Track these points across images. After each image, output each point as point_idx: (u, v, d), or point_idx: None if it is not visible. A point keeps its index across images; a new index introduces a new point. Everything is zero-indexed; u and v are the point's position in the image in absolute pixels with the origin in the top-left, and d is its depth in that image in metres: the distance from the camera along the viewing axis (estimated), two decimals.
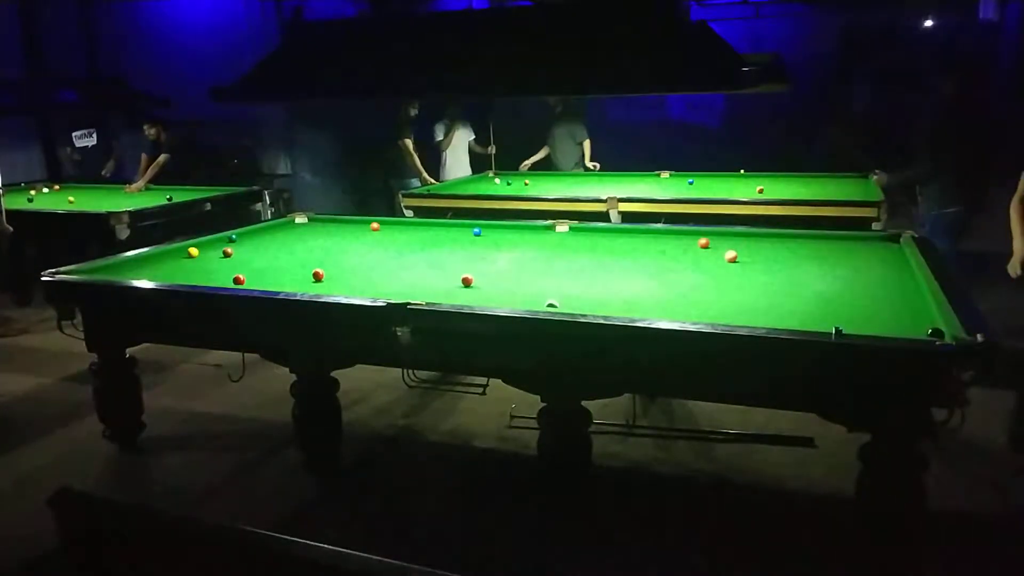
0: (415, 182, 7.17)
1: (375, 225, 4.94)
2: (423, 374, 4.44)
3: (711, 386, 2.84)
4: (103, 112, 8.63)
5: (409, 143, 6.93)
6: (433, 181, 7.17)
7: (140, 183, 7.11)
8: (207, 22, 8.82)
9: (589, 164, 7.67)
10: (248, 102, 6.33)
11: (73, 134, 8.04)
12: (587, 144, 7.70)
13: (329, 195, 9.03)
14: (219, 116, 7.67)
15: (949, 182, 4.82)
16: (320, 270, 3.57)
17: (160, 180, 7.17)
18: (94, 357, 3.80)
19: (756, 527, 3.11)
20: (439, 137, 7.60)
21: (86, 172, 8.11)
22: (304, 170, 9.03)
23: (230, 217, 6.16)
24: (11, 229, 5.43)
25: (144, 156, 7.38)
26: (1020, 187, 3.90)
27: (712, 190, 6.23)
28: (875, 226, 4.85)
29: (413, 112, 7.02)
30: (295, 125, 8.84)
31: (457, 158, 7.69)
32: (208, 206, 6.40)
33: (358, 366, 3.53)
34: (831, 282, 3.31)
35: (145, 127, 7.40)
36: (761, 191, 5.95)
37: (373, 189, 8.26)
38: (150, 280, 3.60)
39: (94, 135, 8.09)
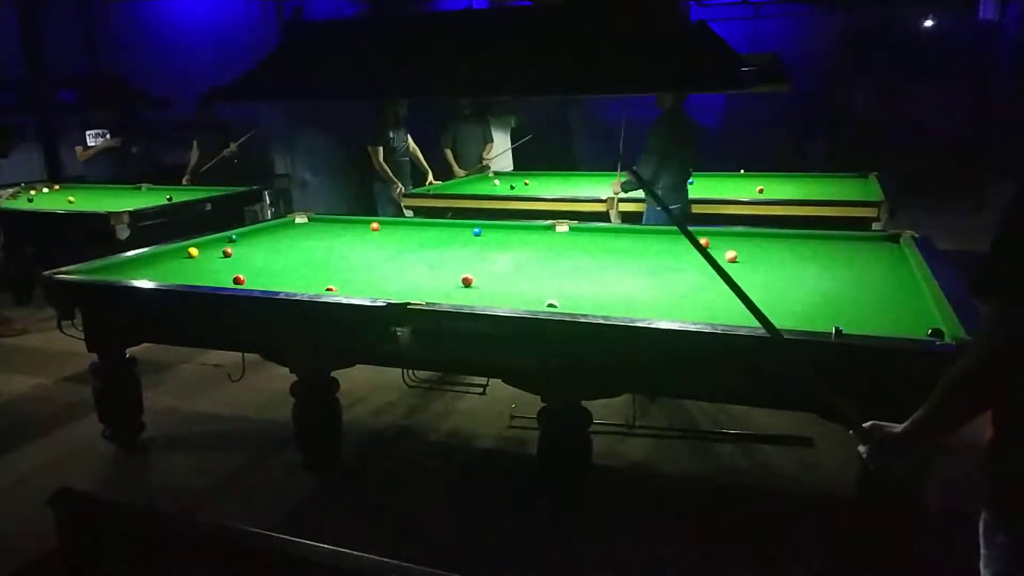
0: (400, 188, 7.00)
1: (375, 225, 4.94)
2: (423, 374, 4.44)
3: (711, 386, 2.84)
4: (112, 112, 8.60)
5: (380, 151, 6.77)
6: (401, 187, 6.75)
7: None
8: (207, 22, 8.83)
9: (487, 156, 7.71)
10: (248, 102, 6.34)
11: (87, 132, 8.03)
12: (490, 145, 7.80)
13: (329, 195, 9.02)
14: (219, 116, 7.69)
15: (670, 183, 5.21)
16: (334, 287, 3.36)
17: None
18: (94, 357, 3.80)
19: (756, 527, 3.11)
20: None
21: (102, 172, 8.08)
22: (304, 170, 9.02)
23: (230, 217, 6.17)
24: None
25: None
26: None
27: (712, 190, 6.23)
28: (875, 226, 4.86)
29: (403, 113, 6.92)
30: (295, 125, 8.83)
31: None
32: (208, 206, 6.40)
33: (358, 366, 3.53)
34: (831, 282, 3.31)
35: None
36: (761, 191, 5.95)
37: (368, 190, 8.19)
38: (150, 280, 3.60)
39: (108, 135, 8.07)
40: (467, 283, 3.42)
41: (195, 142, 7.73)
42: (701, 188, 6.40)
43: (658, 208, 5.05)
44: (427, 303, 2.98)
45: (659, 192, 5.08)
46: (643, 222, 5.18)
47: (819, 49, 8.87)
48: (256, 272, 3.73)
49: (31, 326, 5.93)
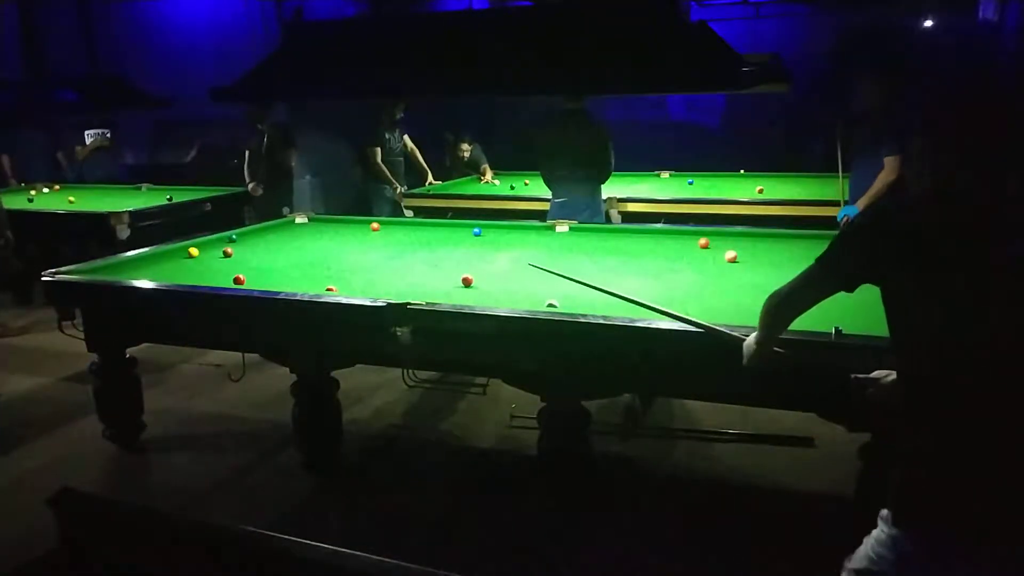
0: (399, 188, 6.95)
1: (375, 225, 4.94)
2: (423, 374, 4.44)
3: (711, 386, 2.84)
4: (111, 113, 8.58)
5: (378, 152, 6.76)
6: (400, 187, 6.75)
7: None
8: (207, 22, 8.82)
9: (490, 177, 7.41)
10: (248, 102, 6.33)
11: (86, 132, 8.01)
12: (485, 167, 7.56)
13: (330, 195, 9.02)
14: (219, 116, 7.66)
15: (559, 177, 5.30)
16: (334, 287, 3.37)
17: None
18: (94, 357, 3.80)
19: (756, 527, 3.11)
20: None
21: (95, 172, 8.04)
22: (304, 170, 9.01)
23: (230, 217, 6.16)
24: (11, 238, 5.41)
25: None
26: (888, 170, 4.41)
27: (712, 190, 6.23)
28: None
29: (399, 115, 6.92)
30: (295, 125, 8.82)
31: None
32: (208, 206, 6.40)
33: (358, 366, 3.53)
34: None
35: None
36: (761, 191, 5.95)
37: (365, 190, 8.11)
38: (150, 280, 3.60)
39: (108, 135, 8.05)
40: (467, 283, 3.42)
41: (248, 151, 7.08)
42: (701, 188, 6.41)
43: (556, 200, 5.25)
44: (427, 303, 2.98)
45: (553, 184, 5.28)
46: (548, 218, 5.12)
47: (819, 49, 8.85)
48: (256, 272, 3.72)
49: (31, 326, 5.93)
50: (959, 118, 1.46)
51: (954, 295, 1.39)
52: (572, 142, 5.16)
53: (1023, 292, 1.37)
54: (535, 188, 6.62)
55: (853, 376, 1.91)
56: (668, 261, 3.83)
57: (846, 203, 4.73)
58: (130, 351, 3.84)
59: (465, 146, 7.47)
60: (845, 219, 4.52)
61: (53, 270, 3.67)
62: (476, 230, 4.65)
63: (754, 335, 2.08)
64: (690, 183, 6.64)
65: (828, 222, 4.82)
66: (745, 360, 2.10)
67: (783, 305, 1.85)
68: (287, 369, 3.46)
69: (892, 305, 1.52)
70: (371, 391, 4.46)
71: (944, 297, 1.40)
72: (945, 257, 1.41)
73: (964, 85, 1.85)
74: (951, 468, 1.41)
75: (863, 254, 1.57)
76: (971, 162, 1.41)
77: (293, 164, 7.00)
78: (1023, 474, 1.36)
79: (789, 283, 1.81)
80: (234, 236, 4.56)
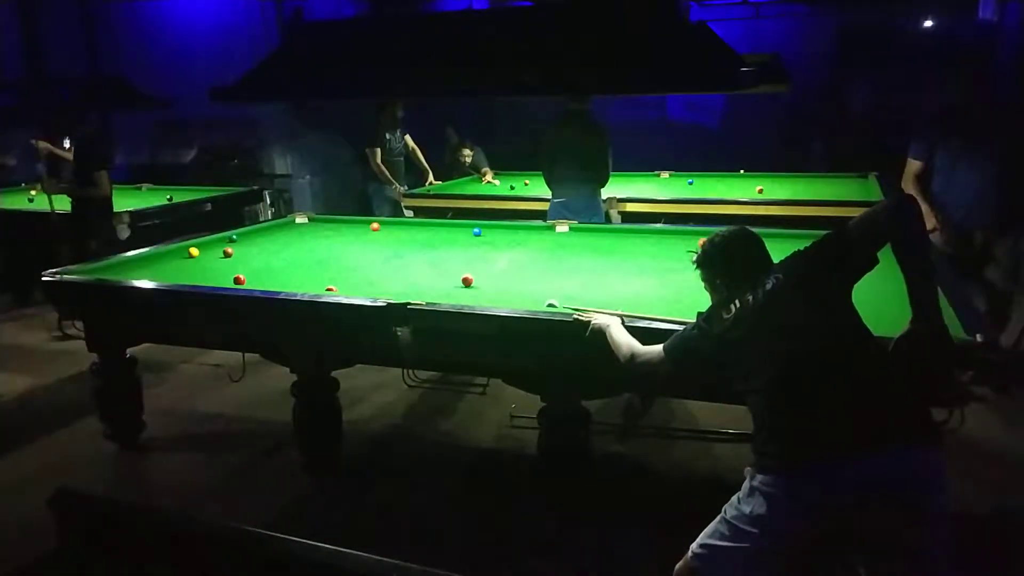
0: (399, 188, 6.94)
1: (375, 225, 4.94)
2: (423, 374, 4.45)
3: (712, 386, 2.84)
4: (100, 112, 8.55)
5: (378, 152, 6.74)
6: (400, 188, 6.73)
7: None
8: (207, 22, 8.82)
9: (490, 178, 7.36)
10: (248, 102, 6.33)
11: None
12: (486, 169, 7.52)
13: (329, 195, 9.03)
14: (219, 116, 7.67)
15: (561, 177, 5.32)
16: (334, 287, 3.37)
17: None
18: (94, 357, 3.80)
19: None
20: None
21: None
22: (304, 170, 9.02)
23: (230, 217, 6.16)
24: None
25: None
26: (909, 168, 4.44)
27: (712, 190, 6.23)
28: None
29: (400, 114, 6.90)
30: (295, 125, 8.82)
31: None
32: (208, 206, 6.40)
33: (358, 366, 3.53)
34: None
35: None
36: (761, 191, 5.95)
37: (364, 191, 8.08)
38: (150, 280, 3.60)
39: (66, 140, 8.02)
40: (467, 283, 3.42)
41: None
42: (701, 188, 6.41)
43: (556, 200, 5.23)
44: (427, 303, 2.98)
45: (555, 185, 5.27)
46: (548, 218, 5.11)
47: (818, 49, 8.85)
48: (256, 272, 3.73)
49: (31, 326, 5.93)
50: (721, 258, 2.39)
51: (759, 339, 2.17)
52: (574, 143, 5.17)
53: (779, 314, 2.13)
54: (535, 188, 6.62)
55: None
56: (668, 261, 3.83)
57: None
58: (130, 351, 3.85)
59: (467, 151, 7.50)
60: None
61: (53, 270, 3.67)
62: (476, 230, 4.65)
63: (613, 330, 2.59)
64: (690, 183, 6.64)
65: (828, 222, 4.82)
66: (588, 332, 2.67)
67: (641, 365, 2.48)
68: (287, 369, 3.46)
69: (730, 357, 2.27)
70: (371, 391, 4.46)
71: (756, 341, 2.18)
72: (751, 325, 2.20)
73: (722, 236, 2.42)
74: (784, 429, 2.08)
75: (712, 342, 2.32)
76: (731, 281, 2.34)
77: (105, 193, 5.50)
78: (822, 421, 2.00)
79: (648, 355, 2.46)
80: (234, 236, 4.56)
